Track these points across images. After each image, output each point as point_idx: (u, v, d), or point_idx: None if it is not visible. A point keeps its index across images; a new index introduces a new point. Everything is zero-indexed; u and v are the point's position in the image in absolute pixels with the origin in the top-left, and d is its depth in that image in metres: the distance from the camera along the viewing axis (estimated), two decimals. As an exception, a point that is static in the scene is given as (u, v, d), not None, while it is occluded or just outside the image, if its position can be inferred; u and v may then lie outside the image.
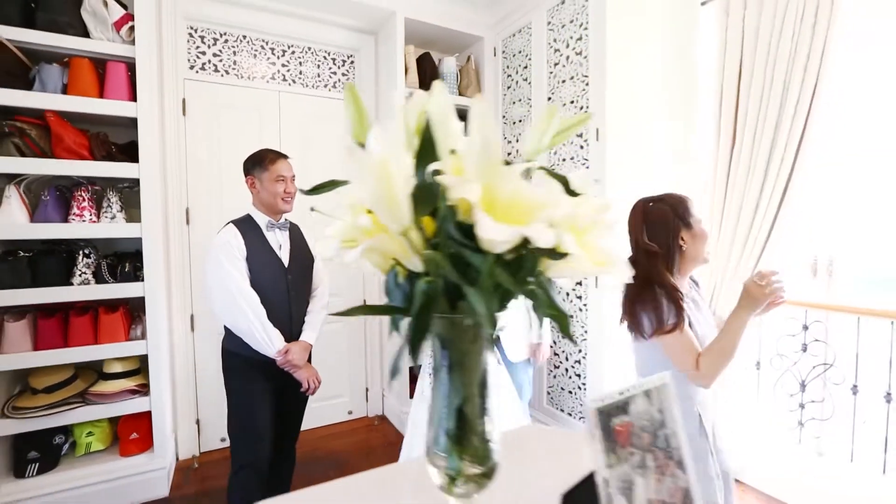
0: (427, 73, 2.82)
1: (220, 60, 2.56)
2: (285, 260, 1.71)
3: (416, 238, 0.57)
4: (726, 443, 1.28)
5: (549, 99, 2.51)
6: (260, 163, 1.66)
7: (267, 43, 2.68)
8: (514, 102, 2.80)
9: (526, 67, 2.67)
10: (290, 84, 2.74)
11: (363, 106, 0.60)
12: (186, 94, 2.44)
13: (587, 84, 2.27)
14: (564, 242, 0.51)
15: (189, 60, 2.48)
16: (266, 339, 1.58)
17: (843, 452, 2.00)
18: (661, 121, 2.42)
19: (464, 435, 0.64)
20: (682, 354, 1.18)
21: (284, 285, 1.69)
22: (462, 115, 0.50)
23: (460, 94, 2.93)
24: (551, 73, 2.50)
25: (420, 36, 2.85)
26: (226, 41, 2.57)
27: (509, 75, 2.83)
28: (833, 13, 1.85)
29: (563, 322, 0.58)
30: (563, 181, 0.66)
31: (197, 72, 2.49)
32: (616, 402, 0.69)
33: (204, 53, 2.52)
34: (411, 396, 2.87)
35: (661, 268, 1.23)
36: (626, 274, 0.57)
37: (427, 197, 0.55)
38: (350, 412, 2.98)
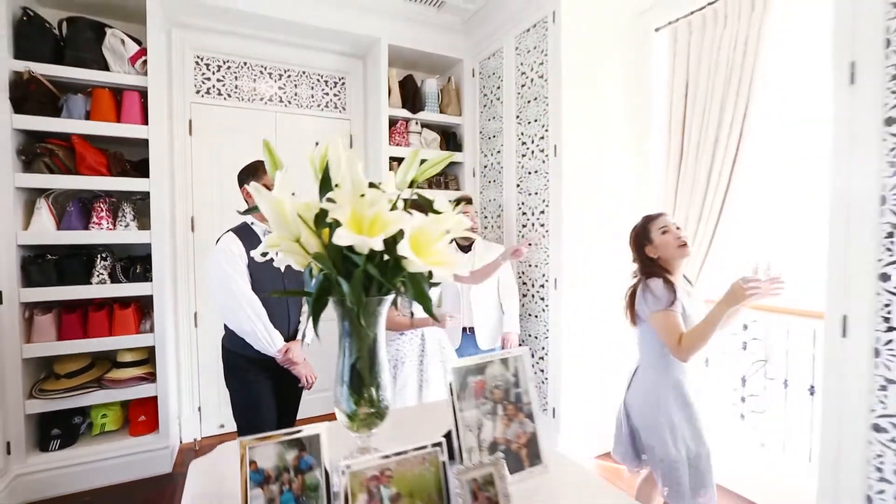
0: (410, 93, 3.08)
1: (223, 85, 2.87)
2: (282, 265, 1.92)
3: (315, 244, 0.83)
4: (705, 422, 1.48)
5: (517, 117, 2.75)
6: (254, 173, 1.74)
7: (265, 68, 2.99)
8: (489, 119, 3.04)
9: (499, 88, 2.91)
10: (286, 105, 3.04)
11: (277, 157, 0.87)
12: (193, 116, 2.76)
13: (548, 105, 2.50)
14: (400, 247, 0.76)
15: (195, 86, 2.79)
16: (268, 340, 1.65)
17: (777, 443, 2.17)
18: (618, 137, 2.64)
19: (358, 385, 0.89)
20: (668, 331, 1.43)
21: (282, 288, 1.74)
22: (443, 130, 0.73)
23: (441, 112, 3.19)
24: (519, 93, 2.73)
25: (404, 59, 3.13)
26: (228, 67, 2.88)
27: (485, 94, 3.08)
28: (759, 43, 2.05)
29: (425, 305, 0.83)
30: (429, 203, 0.93)
31: (202, 96, 2.81)
32: (473, 365, 0.92)
33: (209, 79, 2.83)
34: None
35: (657, 267, 1.56)
36: (461, 270, 0.81)
37: (322, 216, 0.81)
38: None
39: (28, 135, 2.22)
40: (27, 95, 2.13)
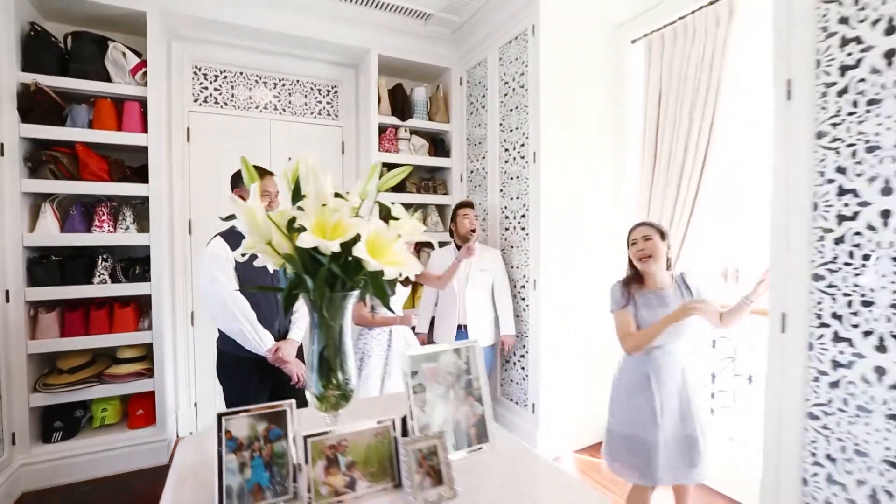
0: (399, 101, 3.21)
1: (220, 94, 3.01)
2: (270, 267, 2.05)
3: (287, 246, 0.95)
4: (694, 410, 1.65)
5: (501, 125, 2.87)
6: (241, 181, 1.80)
7: (261, 77, 3.12)
8: (476, 126, 3.16)
9: (484, 96, 3.04)
10: (280, 112, 3.17)
11: (252, 171, 0.99)
12: (191, 124, 2.89)
13: (528, 113, 2.62)
14: (356, 249, 0.88)
15: (193, 94, 2.92)
16: (257, 340, 1.74)
17: (742, 436, 2.27)
18: (597, 143, 2.76)
19: (325, 371, 1.01)
20: (617, 328, 1.70)
21: (271, 293, 1.83)
22: (432, 137, 0.82)
23: (430, 120, 3.31)
24: (502, 102, 2.86)
25: (394, 67, 3.25)
26: (225, 77, 3.01)
27: (471, 102, 3.20)
28: (724, 56, 2.17)
29: (383, 300, 0.95)
30: (387, 210, 1.05)
31: (200, 104, 2.94)
32: (426, 353, 1.04)
33: (206, 88, 2.96)
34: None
35: (629, 276, 1.77)
36: (414, 270, 0.92)
37: (293, 223, 0.93)
38: None
39: (34, 143, 2.35)
40: (33, 105, 2.26)
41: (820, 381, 1.36)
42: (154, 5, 2.46)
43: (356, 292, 1.01)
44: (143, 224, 2.55)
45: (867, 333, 1.26)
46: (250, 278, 1.78)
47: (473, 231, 2.56)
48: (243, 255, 0.99)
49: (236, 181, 1.92)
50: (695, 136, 2.30)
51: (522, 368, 2.74)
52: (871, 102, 1.25)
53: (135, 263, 2.56)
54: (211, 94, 2.97)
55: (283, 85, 3.18)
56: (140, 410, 2.60)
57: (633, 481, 1.64)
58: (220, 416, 0.83)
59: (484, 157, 3.05)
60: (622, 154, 2.78)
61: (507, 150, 2.85)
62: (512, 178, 2.80)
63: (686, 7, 2.36)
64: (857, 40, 1.27)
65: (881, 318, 1.23)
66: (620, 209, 2.77)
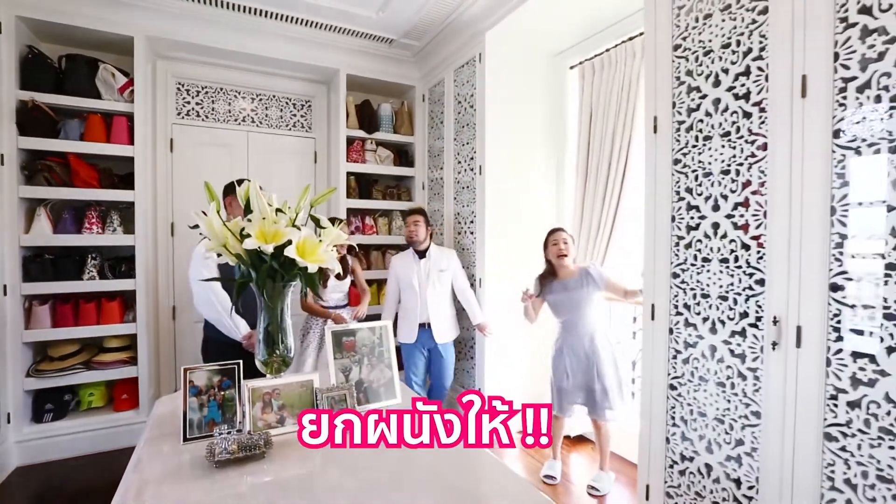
0: (367, 115, 3.52)
1: (202, 107, 3.30)
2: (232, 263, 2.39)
3: (239, 248, 1.25)
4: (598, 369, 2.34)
5: (455, 139, 3.20)
6: (234, 189, 2.21)
7: (240, 92, 3.41)
8: (436, 139, 3.49)
9: (442, 112, 3.37)
10: (258, 125, 3.47)
11: (214, 192, 1.30)
12: (174, 136, 3.17)
13: (475, 130, 2.95)
14: (287, 250, 1.19)
15: (177, 108, 3.21)
16: (232, 326, 2.08)
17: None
18: (539, 158, 3.11)
19: (270, 342, 1.31)
20: (525, 307, 2.46)
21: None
22: (397, 149, 1.12)
23: (395, 133, 3.63)
24: (456, 119, 3.19)
25: (363, 84, 3.57)
26: (206, 92, 3.31)
27: (432, 117, 3.53)
28: (639, 86, 2.52)
29: (312, 288, 1.26)
30: (317, 220, 1.37)
31: (183, 117, 3.22)
32: (346, 329, 1.35)
33: (188, 103, 3.25)
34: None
35: (545, 271, 2.49)
36: (335, 268, 1.24)
37: (242, 230, 1.24)
38: None
39: (30, 153, 2.63)
40: (30, 120, 2.53)
41: (677, 358, 1.70)
42: (140, 31, 2.75)
43: (294, 283, 1.33)
44: (128, 226, 2.83)
45: (705, 319, 1.60)
46: (228, 275, 2.11)
47: (411, 237, 2.78)
48: (208, 253, 1.30)
49: (228, 191, 2.22)
50: (616, 153, 2.65)
51: (471, 358, 3.06)
52: (706, 138, 1.59)
53: (121, 262, 2.83)
54: (193, 108, 3.26)
55: (261, 99, 3.48)
56: (124, 395, 2.87)
57: (554, 412, 2.47)
58: (185, 370, 1.14)
59: (441, 168, 3.38)
60: (562, 167, 3.13)
61: (459, 161, 3.18)
62: (464, 188, 3.13)
63: (609, 42, 2.72)
64: (697, 89, 1.62)
65: (713, 307, 1.58)
66: (560, 216, 3.12)
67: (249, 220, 1.24)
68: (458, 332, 2.92)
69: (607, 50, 2.73)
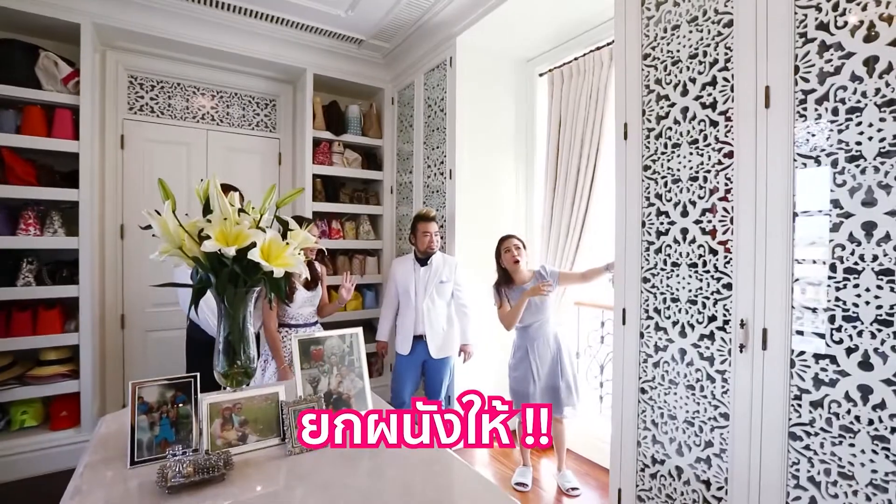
0: (334, 117, 3.43)
1: (157, 103, 3.11)
2: (186, 267, 2.27)
3: (195, 249, 1.15)
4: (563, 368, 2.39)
5: (425, 143, 3.17)
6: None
7: (199, 88, 3.24)
8: (405, 143, 3.44)
9: (412, 116, 3.33)
10: (218, 123, 3.30)
11: (169, 191, 1.20)
12: (125, 132, 2.97)
13: (446, 134, 2.93)
14: (251, 254, 1.11)
15: (129, 103, 3.01)
16: (208, 326, 2.12)
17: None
18: (509, 162, 3.12)
19: (230, 353, 1.22)
20: (500, 317, 2.45)
21: None
22: (365, 151, 1.04)
23: (363, 135, 3.56)
24: (426, 122, 3.16)
25: (330, 86, 3.48)
26: (162, 87, 3.12)
27: (402, 121, 3.48)
28: (607, 93, 2.58)
29: (278, 294, 1.18)
30: (284, 224, 1.29)
31: (135, 113, 3.03)
32: (314, 338, 1.28)
33: (142, 97, 3.06)
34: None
35: (500, 278, 2.48)
36: (302, 272, 1.16)
37: (200, 232, 1.14)
38: None
39: (-44, 146, 2.38)
40: (-42, 110, 2.30)
41: (647, 362, 1.72)
42: (88, 17, 2.56)
43: (257, 288, 1.24)
44: (72, 228, 2.61)
45: (675, 323, 1.63)
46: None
47: (429, 251, 2.57)
48: (161, 256, 1.19)
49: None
50: (584, 159, 2.69)
51: (442, 364, 3.01)
52: (675, 145, 1.63)
53: (62, 267, 2.61)
54: (147, 103, 3.07)
55: (222, 97, 3.32)
56: (64, 412, 2.63)
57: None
58: (134, 385, 1.03)
59: (411, 172, 3.33)
60: (531, 173, 3.15)
61: (429, 166, 3.14)
62: (434, 192, 3.09)
63: (578, 50, 2.77)
64: (666, 98, 1.66)
65: (683, 311, 1.61)
66: (529, 221, 3.14)
67: (209, 221, 1.15)
68: (457, 348, 2.69)
69: (576, 58, 2.78)
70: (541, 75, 3.10)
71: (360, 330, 1.36)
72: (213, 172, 1.11)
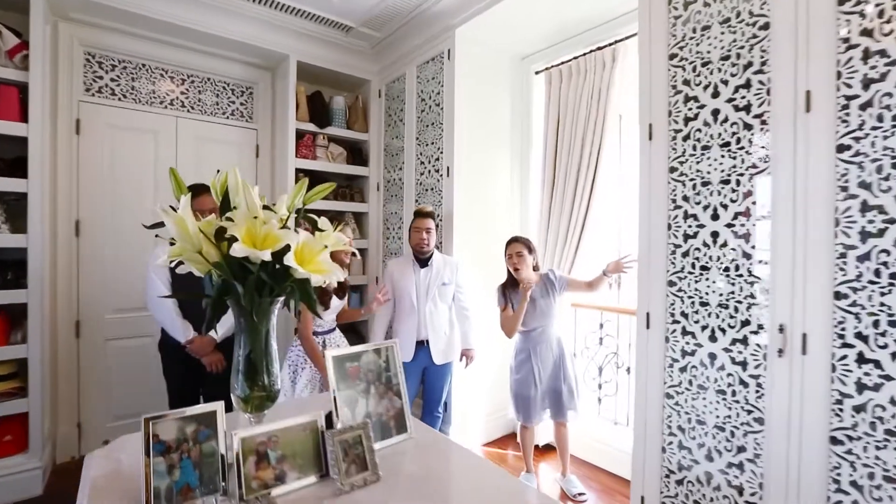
0: (318, 108, 3.22)
1: (118, 85, 2.77)
2: (183, 272, 2.03)
3: (215, 254, 0.99)
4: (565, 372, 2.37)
5: (417, 139, 3.03)
6: (196, 195, 1.88)
7: (167, 72, 2.93)
8: (393, 138, 3.29)
9: (402, 110, 3.18)
10: (188, 110, 3.00)
11: (182, 181, 1.02)
12: (81, 115, 2.63)
13: (443, 130, 2.81)
14: (286, 259, 0.95)
15: (85, 83, 2.67)
16: (175, 330, 2.07)
17: (624, 419, 2.66)
18: (504, 161, 3.05)
19: (252, 373, 1.05)
20: (502, 321, 2.39)
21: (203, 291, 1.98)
22: (350, 146, 0.87)
23: (349, 128, 3.36)
24: (419, 117, 3.02)
25: (313, 75, 3.26)
26: (124, 68, 2.79)
27: (390, 115, 3.32)
28: (609, 93, 2.55)
29: (310, 305, 1.02)
30: (314, 223, 1.13)
31: (93, 94, 2.69)
32: (349, 353, 1.13)
33: (101, 78, 2.72)
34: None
35: (507, 280, 2.42)
36: (339, 278, 1.01)
37: (221, 232, 0.97)
38: None
39: None
40: None
41: (673, 367, 1.69)
42: (39, -17, 2.23)
43: (282, 298, 1.08)
44: (18, 224, 2.27)
45: (704, 328, 1.61)
46: (186, 281, 1.87)
47: (422, 246, 2.43)
48: (171, 262, 1.01)
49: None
50: (585, 161, 2.66)
51: (436, 370, 2.89)
52: (704, 148, 1.60)
53: (6, 268, 2.26)
54: (107, 85, 2.73)
55: (193, 82, 3.03)
56: (8, 436, 2.29)
57: (520, 421, 2.41)
58: (146, 419, 0.85)
59: (401, 168, 3.19)
60: (527, 173, 3.09)
61: (422, 162, 3.01)
62: (427, 190, 2.96)
63: (578, 49, 2.73)
64: (695, 99, 1.63)
65: (713, 315, 1.58)
66: (524, 220, 3.08)
67: (230, 220, 0.98)
68: (458, 353, 2.56)
69: (576, 57, 2.74)
70: (537, 73, 3.04)
71: (395, 342, 1.23)
72: (234, 169, 0.95)
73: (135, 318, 2.80)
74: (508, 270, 2.41)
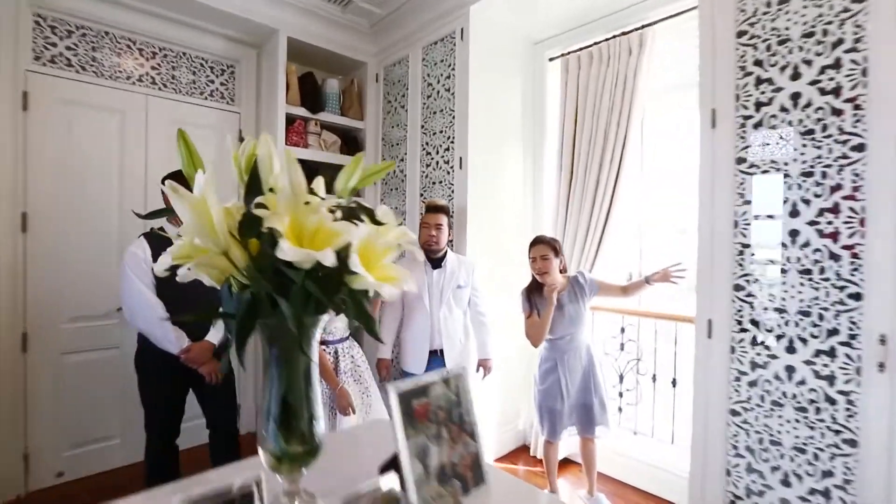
0: (310, 91, 2.90)
1: (76, 55, 2.36)
2: (206, 280, 1.71)
3: (241, 256, 0.70)
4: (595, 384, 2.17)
5: (423, 127, 2.77)
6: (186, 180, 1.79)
7: (135, 43, 2.54)
8: (392, 126, 3.01)
9: (403, 96, 2.90)
10: (160, 88, 2.62)
11: (194, 149, 0.73)
12: (29, 88, 2.21)
13: (454, 118, 2.56)
14: (351, 262, 0.68)
15: (34, 51, 2.25)
16: (166, 339, 1.77)
17: (647, 429, 2.50)
18: (515, 152, 2.83)
19: (289, 420, 0.78)
20: (525, 328, 2.19)
21: (193, 294, 1.65)
22: (344, 133, 0.62)
23: (343, 115, 3.06)
24: (424, 104, 2.76)
25: (304, 55, 2.93)
26: (83, 35, 2.38)
27: (389, 101, 3.04)
28: (636, 82, 2.38)
29: (369, 325, 0.75)
30: (370, 213, 0.85)
31: (44, 64, 2.27)
32: (416, 387, 0.87)
33: (55, 45, 2.30)
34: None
35: (532, 283, 2.21)
36: (411, 287, 0.75)
37: (251, 224, 0.68)
38: None
39: None
40: None
41: (741, 381, 1.52)
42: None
43: (325, 317, 0.81)
44: (-52, 217, 1.86)
45: (780, 337, 1.44)
46: (169, 282, 1.57)
47: (429, 245, 2.21)
48: (168, 269, 0.72)
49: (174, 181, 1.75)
50: (609, 154, 2.48)
51: (445, 380, 2.64)
52: (781, 137, 1.44)
53: (-68, 271, 1.84)
54: (61, 54, 2.32)
55: (165, 56, 2.64)
56: (-65, 475, 1.87)
57: (544, 436, 2.20)
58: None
59: (403, 160, 2.91)
60: (540, 166, 2.89)
61: (428, 153, 2.75)
62: (434, 183, 2.71)
63: (596, 35, 2.55)
64: (769, 81, 1.46)
65: (791, 323, 1.42)
66: (537, 217, 2.87)
67: (262, 207, 0.70)
68: (474, 363, 2.34)
69: (597, 43, 2.56)
70: (551, 59, 2.84)
71: (465, 369, 0.98)
72: (265, 135, 0.66)
73: (97, 328, 2.40)
74: (534, 274, 2.19)
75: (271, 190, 0.72)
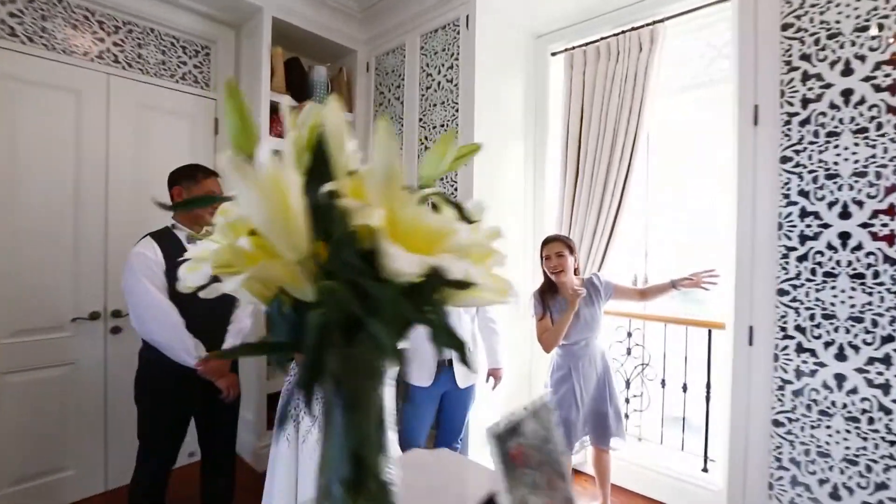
0: (295, 78, 2.65)
1: (21, 23, 2.02)
2: (211, 295, 1.47)
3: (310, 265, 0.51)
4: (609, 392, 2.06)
5: (421, 121, 2.59)
6: (192, 177, 1.69)
7: (93, 14, 2.21)
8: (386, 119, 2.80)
9: (399, 87, 2.71)
10: (124, 67, 2.30)
11: (247, 112, 0.53)
12: (-39, 60, 1.86)
13: (457, 110, 2.40)
14: (472, 273, 0.50)
15: (-32, 16, 1.90)
16: (183, 349, 1.58)
17: (655, 436, 2.44)
18: (517, 148, 2.70)
19: (360, 480, 0.59)
20: (537, 332, 2.07)
21: (205, 299, 1.46)
22: None
23: (332, 105, 2.82)
24: (423, 95, 2.58)
25: (289, 39, 2.68)
26: (30, 1, 2.04)
27: (381, 92, 2.84)
28: (647, 79, 2.30)
29: (461, 351, 0.57)
30: (459, 207, 0.66)
31: (-20, 33, 1.92)
32: (509, 425, 0.71)
33: (-7, 11, 1.96)
34: (269, 427, 2.58)
35: (544, 285, 2.10)
36: (517, 302, 0.59)
37: (322, 220, 0.49)
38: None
39: None
40: None
41: (785, 390, 1.45)
42: None
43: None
44: None
45: (828, 344, 1.38)
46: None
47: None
48: (190, 285, 0.53)
49: (179, 179, 1.70)
50: (618, 153, 2.39)
51: (447, 391, 2.47)
52: (830, 134, 1.38)
53: None
54: (3, 20, 1.97)
55: (130, 31, 2.32)
56: None
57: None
58: None
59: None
60: (542, 165, 2.77)
61: (427, 148, 2.57)
62: (434, 181, 2.53)
63: (603, 29, 2.46)
64: (818, 77, 1.40)
65: (841, 330, 1.36)
66: (538, 216, 2.76)
67: (334, 195, 0.50)
68: (483, 374, 2.18)
69: (604, 38, 2.47)
70: (553, 55, 2.73)
71: (546, 395, 0.82)
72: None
73: (45, 342, 2.06)
74: (545, 274, 2.07)
75: (352, 173, 0.53)
